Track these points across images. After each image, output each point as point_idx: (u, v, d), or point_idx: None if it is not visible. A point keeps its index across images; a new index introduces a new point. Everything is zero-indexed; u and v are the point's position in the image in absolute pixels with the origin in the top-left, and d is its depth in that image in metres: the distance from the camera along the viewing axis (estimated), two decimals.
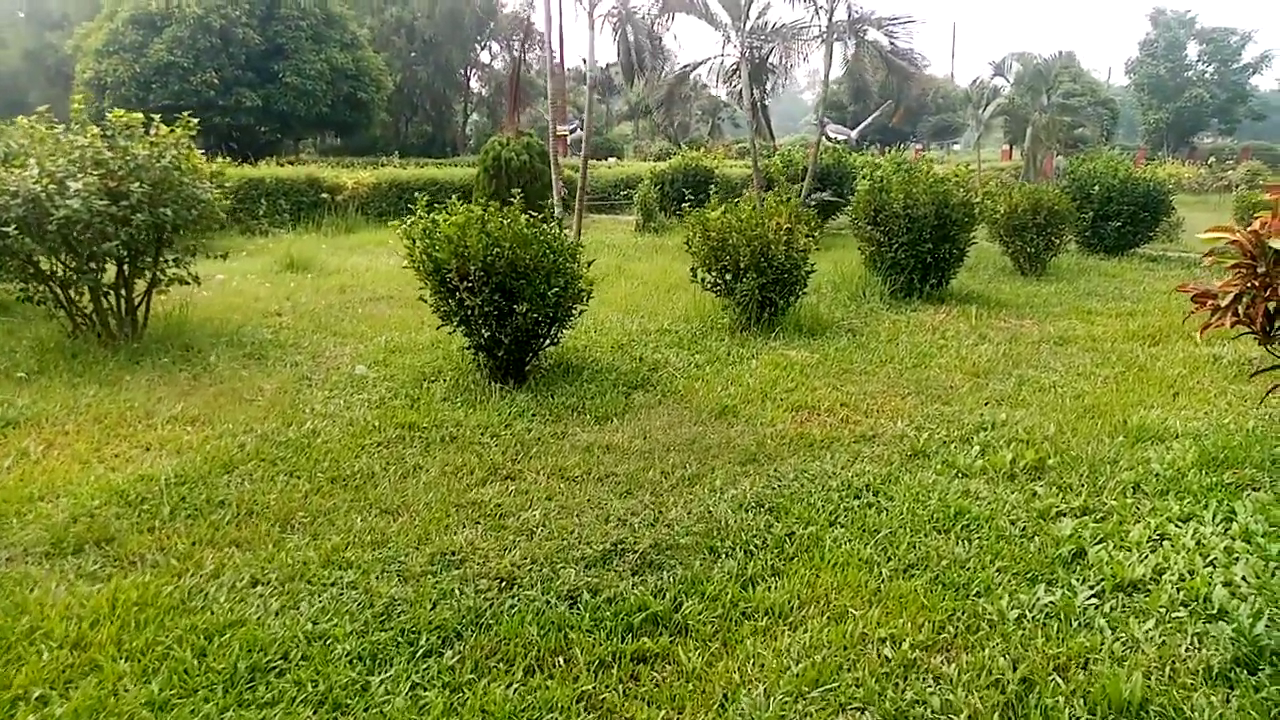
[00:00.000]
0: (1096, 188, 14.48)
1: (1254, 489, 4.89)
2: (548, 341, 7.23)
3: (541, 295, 6.59)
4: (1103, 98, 49.57)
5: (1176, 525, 4.48)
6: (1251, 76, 46.26)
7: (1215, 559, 4.07)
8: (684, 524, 4.52)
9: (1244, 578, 3.86)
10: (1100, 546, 4.27)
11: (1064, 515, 4.67)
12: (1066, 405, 6.69)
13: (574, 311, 7.19)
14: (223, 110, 29.12)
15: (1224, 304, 4.78)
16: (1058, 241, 13.17)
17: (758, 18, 15.88)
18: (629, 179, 23.48)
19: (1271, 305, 4.82)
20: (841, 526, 4.52)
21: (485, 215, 6.71)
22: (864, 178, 11.10)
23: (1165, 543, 4.29)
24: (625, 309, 10.01)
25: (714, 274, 8.99)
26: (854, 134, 29.28)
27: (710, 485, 5.06)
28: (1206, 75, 45.45)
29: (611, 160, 37.57)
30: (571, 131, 39.33)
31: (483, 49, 40.79)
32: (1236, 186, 32.87)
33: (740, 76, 15.69)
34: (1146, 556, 4.15)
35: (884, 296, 10.67)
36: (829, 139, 30.42)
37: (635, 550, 4.21)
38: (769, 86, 16.52)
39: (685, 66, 17.96)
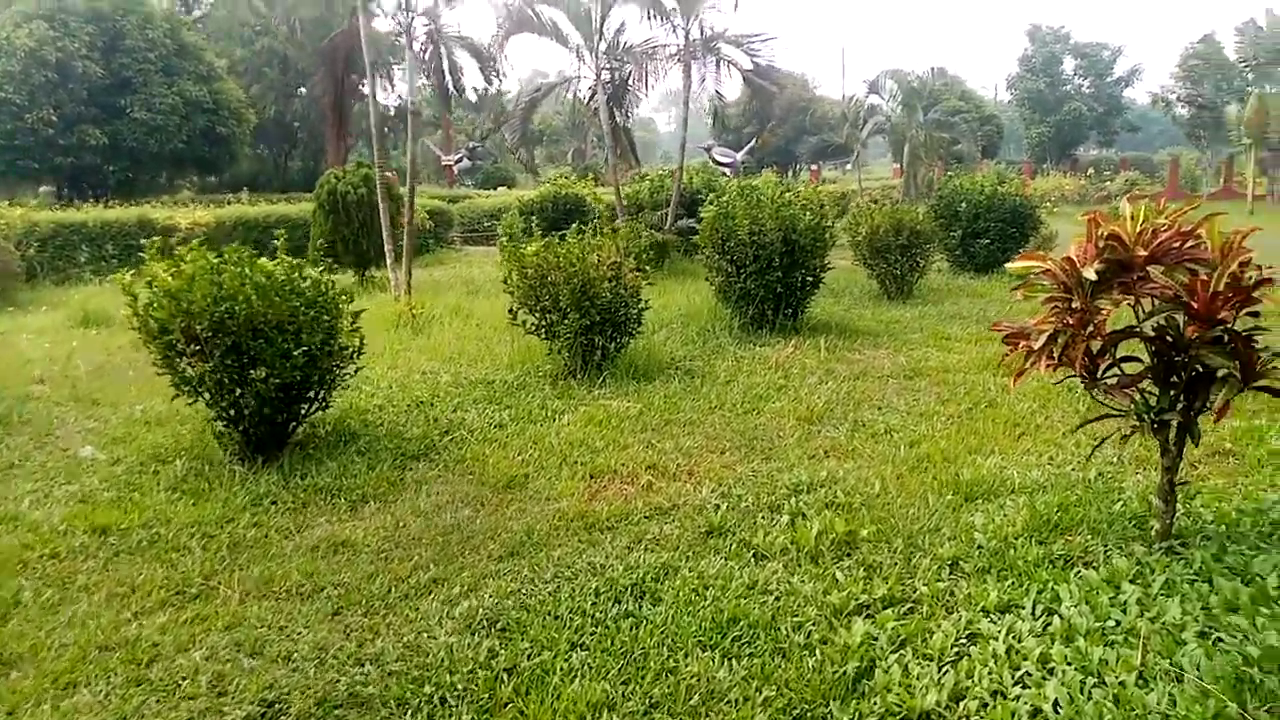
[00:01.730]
0: (964, 205, 14.11)
1: (1085, 563, 4.15)
2: (315, 407, 6.19)
3: (286, 356, 5.56)
4: (987, 114, 50.73)
5: (991, 620, 3.69)
6: (1124, 90, 47.91)
7: (1028, 672, 3.28)
8: (383, 660, 3.55)
9: (1057, 703, 3.07)
10: (895, 658, 3.45)
11: (862, 611, 3.85)
12: (899, 455, 5.95)
13: (337, 373, 6.16)
14: (64, 149, 26.99)
15: (1038, 345, 4.06)
16: (923, 263, 12.67)
17: (614, 37, 15.20)
18: (506, 208, 22.51)
19: (1095, 344, 4.13)
20: (584, 649, 3.60)
21: (219, 264, 5.66)
22: (709, 204, 10.35)
23: (974, 648, 3.48)
24: (447, 356, 9.02)
25: (536, 315, 8.07)
26: (739, 156, 28.87)
27: (446, 595, 4.11)
28: (1083, 89, 46.81)
29: (501, 189, 36.53)
30: (457, 161, 38.25)
31: (361, 80, 39.27)
32: (1115, 197, 33.59)
33: (597, 99, 14.91)
34: (946, 671, 3.33)
35: (734, 330, 9.91)
36: (715, 162, 30.05)
37: (288, 714, 3.22)
38: (629, 109, 15.78)
39: (538, 90, 17.12)
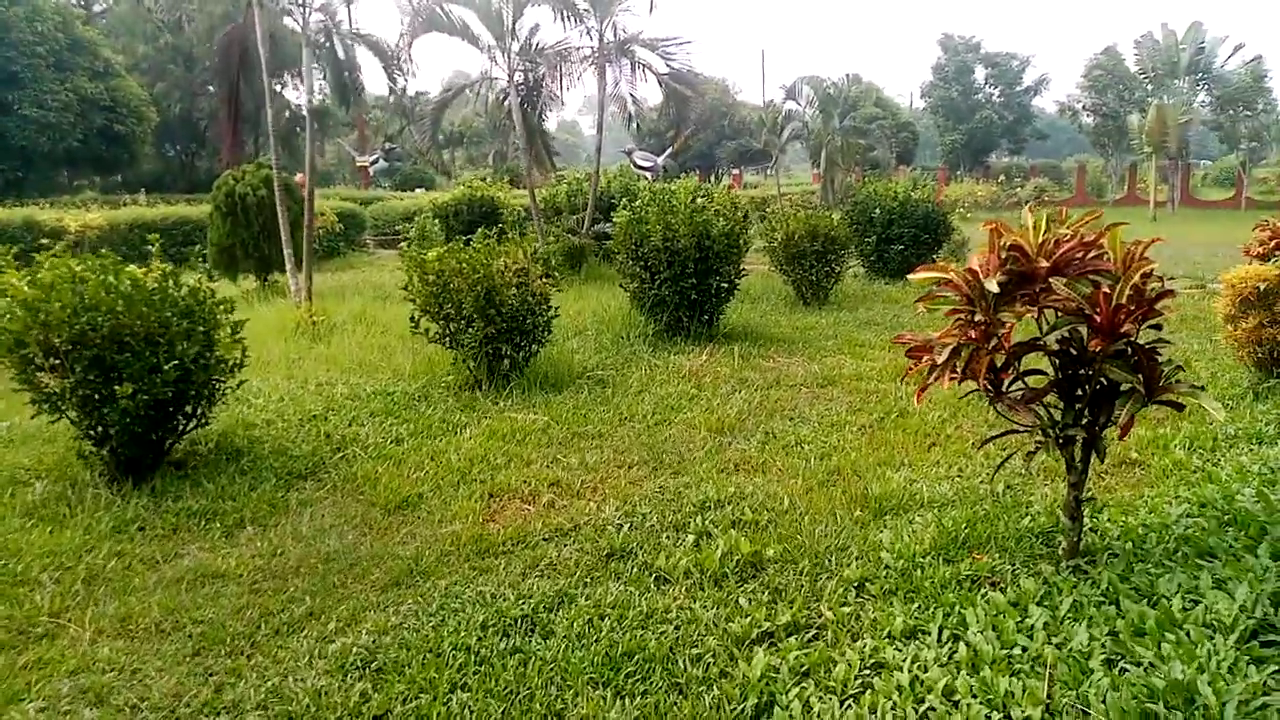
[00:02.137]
0: (878, 211, 14.18)
1: (993, 583, 4.03)
2: (192, 424, 5.77)
3: (155, 370, 5.14)
4: (903, 121, 51.77)
5: (897, 647, 3.53)
6: (1033, 98, 49.38)
7: (932, 707, 3.12)
8: (242, 709, 3.23)
9: None
10: (797, 691, 3.26)
11: (765, 640, 3.66)
12: (810, 469, 5.81)
13: (217, 387, 5.76)
14: None
15: (940, 359, 3.93)
16: (839, 269, 12.66)
17: (527, 38, 14.89)
18: (421, 210, 21.98)
19: (999, 358, 4.02)
20: (466, 690, 3.33)
21: (82, 271, 5.22)
22: (622, 208, 10.14)
23: (878, 679, 3.32)
24: (346, 366, 8.61)
25: (440, 323, 7.74)
26: (660, 160, 28.76)
27: (320, 631, 3.79)
28: (994, 98, 48.09)
29: (419, 191, 35.78)
30: (373, 162, 37.35)
31: (275, 79, 37.98)
32: (1025, 203, 34.50)
33: (510, 101, 14.58)
34: (849, 706, 3.16)
35: (648, 338, 9.72)
36: (636, 166, 29.88)
37: None
38: (544, 111, 15.46)
39: (447, 91, 16.68)
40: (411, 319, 7.78)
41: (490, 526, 4.93)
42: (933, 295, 4.07)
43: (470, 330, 7.45)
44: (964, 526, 4.61)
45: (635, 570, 4.35)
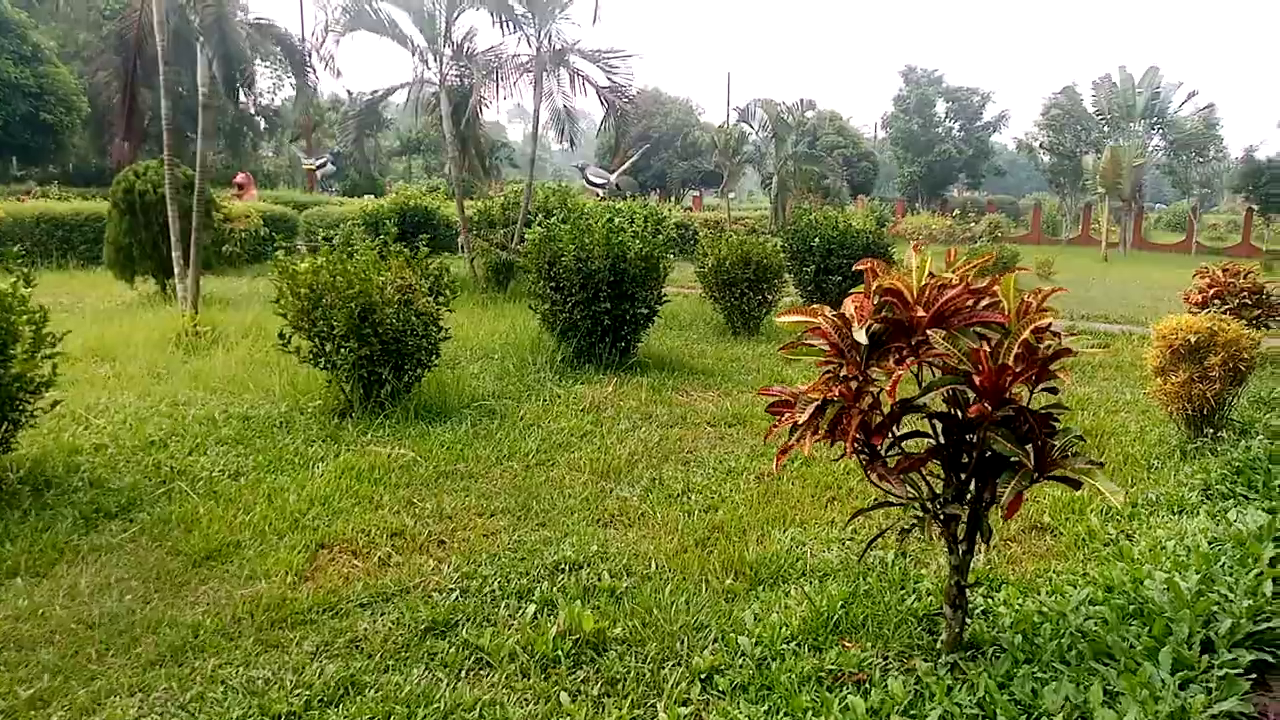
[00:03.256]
0: (817, 240, 13.72)
1: (858, 681, 3.45)
2: None
3: None
4: (864, 150, 51.88)
5: None
6: (992, 134, 49.73)
7: None
8: None
9: None
10: None
11: None
12: (690, 524, 5.22)
13: (24, 407, 5.05)
14: None
15: (802, 418, 3.36)
16: (772, 298, 12.16)
17: (463, 42, 14.27)
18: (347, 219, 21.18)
19: (875, 418, 3.46)
20: None
21: None
22: (537, 224, 9.55)
23: None
24: (214, 384, 7.88)
25: (313, 341, 7.06)
26: (613, 178, 28.27)
27: None
28: (954, 132, 48.33)
29: (368, 197, 34.92)
30: (320, 165, 36.42)
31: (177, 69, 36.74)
32: (979, 238, 34.46)
33: (441, 107, 13.94)
34: None
35: (556, 364, 9.09)
36: (589, 182, 29.39)
37: None
38: (471, 118, 14.81)
39: (375, 93, 15.99)
40: (281, 335, 7.10)
41: (304, 587, 4.28)
42: (798, 344, 3.51)
43: (343, 351, 6.78)
44: (840, 605, 4.04)
45: (453, 650, 3.72)
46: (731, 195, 59.06)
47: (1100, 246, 34.64)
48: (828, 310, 3.53)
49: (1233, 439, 6.66)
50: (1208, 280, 11.14)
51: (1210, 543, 4.53)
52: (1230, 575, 4.03)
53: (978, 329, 3.37)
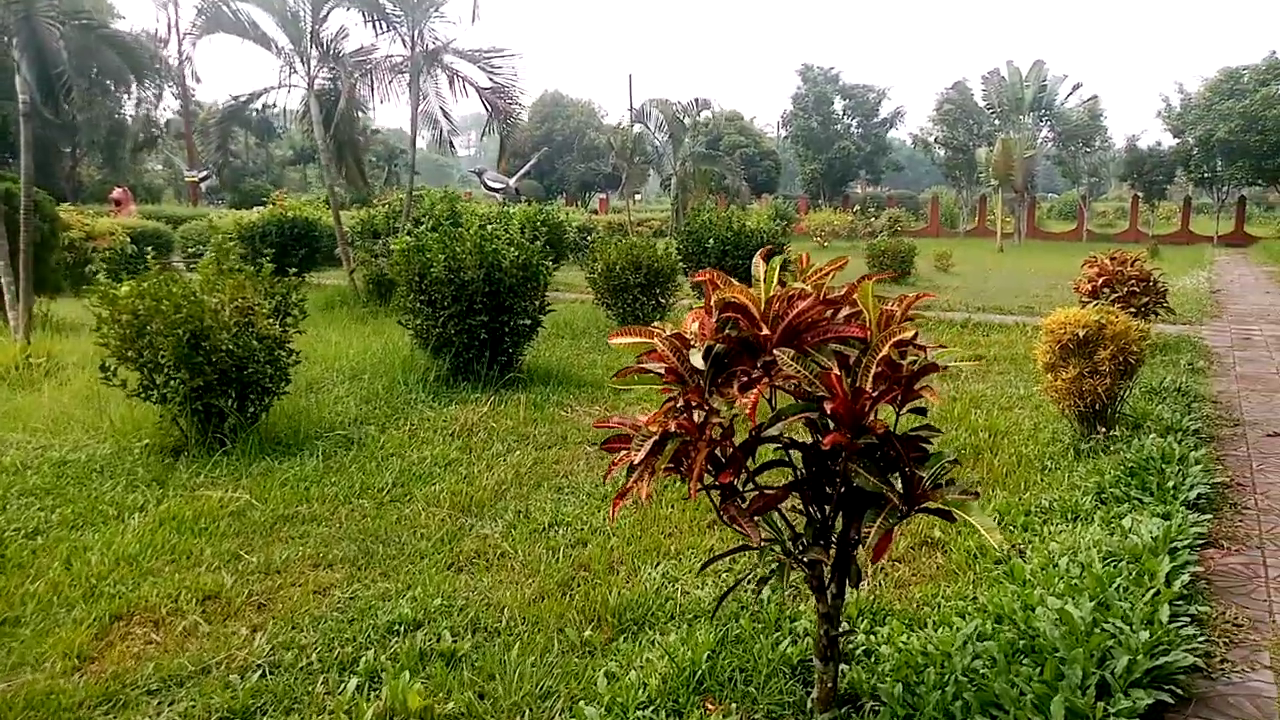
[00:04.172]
0: (712, 241, 13.39)
1: None
2: None
3: None
4: (767, 149, 52.14)
5: None
6: (889, 130, 50.46)
7: None
8: None
9: None
10: None
11: None
12: (554, 563, 4.72)
13: None
14: None
15: (638, 456, 2.88)
16: (665, 302, 11.75)
17: (331, 43, 13.48)
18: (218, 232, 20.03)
19: (727, 450, 3.02)
20: None
21: None
22: (403, 234, 8.93)
23: None
24: (39, 424, 7.06)
25: (141, 372, 6.33)
26: (512, 182, 27.60)
27: None
28: (852, 129, 48.90)
29: (256, 209, 33.40)
30: (203, 178, 34.79)
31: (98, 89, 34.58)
32: (880, 233, 34.82)
33: (312, 112, 13.15)
34: None
35: (429, 383, 8.47)
36: (487, 188, 28.65)
37: None
38: (343, 123, 14.04)
39: (238, 98, 15.05)
40: (103, 367, 6.35)
41: (87, 671, 3.63)
42: (633, 370, 3.04)
43: (172, 383, 6.08)
44: (706, 657, 3.57)
45: None
46: (638, 197, 58.84)
47: (996, 237, 35.34)
48: (667, 328, 3.07)
49: (1126, 435, 6.47)
50: (1097, 269, 11.13)
51: (1104, 559, 4.22)
52: (1126, 599, 3.71)
53: (834, 345, 2.95)
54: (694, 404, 2.89)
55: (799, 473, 3.07)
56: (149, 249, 7.74)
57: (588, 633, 3.96)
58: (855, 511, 3.00)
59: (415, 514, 5.42)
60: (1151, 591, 3.76)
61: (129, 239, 16.70)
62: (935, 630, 3.80)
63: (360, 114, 14.27)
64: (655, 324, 3.11)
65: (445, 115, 14.47)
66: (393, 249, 8.76)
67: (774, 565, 3.05)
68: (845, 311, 3.11)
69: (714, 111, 45.64)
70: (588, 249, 13.87)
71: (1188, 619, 3.67)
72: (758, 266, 3.07)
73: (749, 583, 3.23)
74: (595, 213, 40.82)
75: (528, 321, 9.00)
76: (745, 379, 2.93)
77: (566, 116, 50.89)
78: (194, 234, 20.87)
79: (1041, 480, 6.00)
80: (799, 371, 2.77)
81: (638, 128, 25.79)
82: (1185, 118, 37.22)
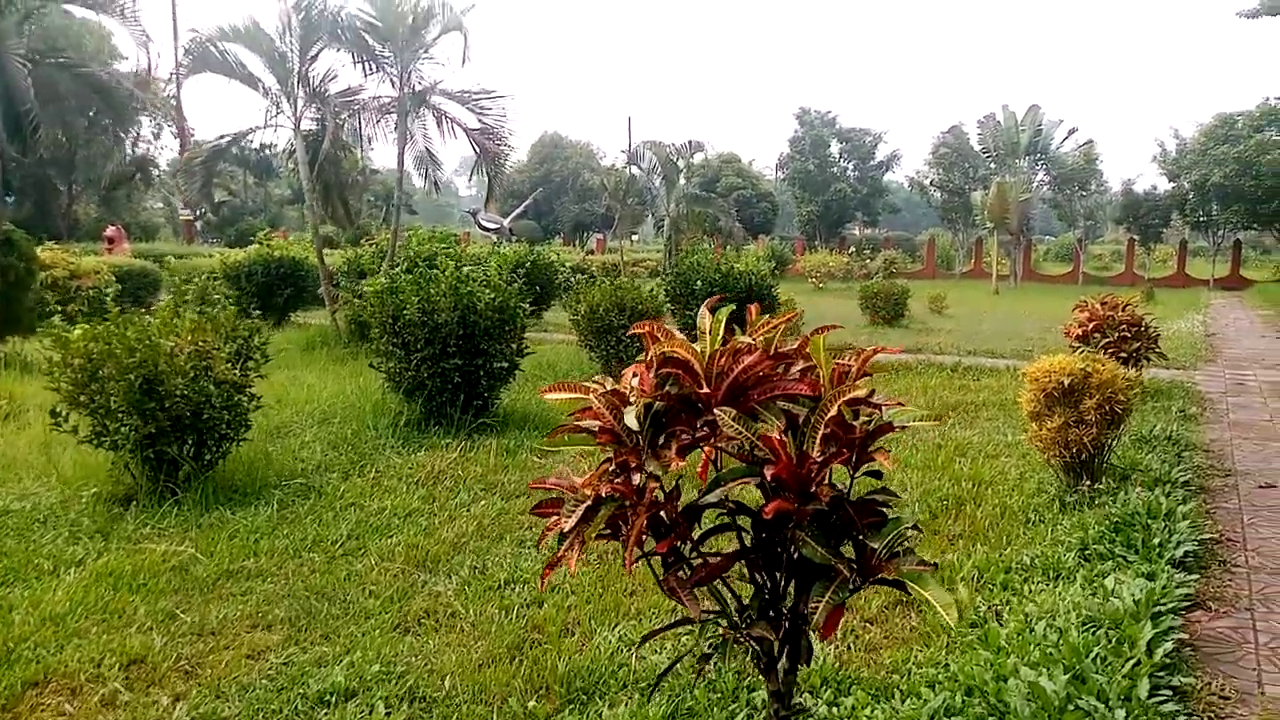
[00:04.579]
0: (699, 283, 13.24)
1: None
2: None
3: None
4: (764, 191, 52.38)
5: None
6: (885, 173, 50.73)
7: None
8: None
9: None
10: None
11: None
12: (507, 623, 4.49)
13: None
14: None
15: (569, 523, 2.67)
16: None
17: (319, 84, 13.44)
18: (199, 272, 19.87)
19: (667, 516, 2.80)
20: None
21: None
22: (364, 275, 8.78)
23: None
24: None
25: (94, 417, 6.11)
26: (506, 222, 27.58)
27: None
28: (849, 171, 49.17)
29: (253, 248, 33.37)
30: (199, 215, 34.85)
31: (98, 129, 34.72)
32: (875, 274, 34.77)
33: (298, 153, 13.07)
34: None
35: (400, 429, 8.24)
36: (482, 228, 28.64)
37: None
38: (329, 163, 13.97)
39: (222, 138, 14.99)
40: (53, 412, 6.13)
41: None
42: (566, 429, 2.83)
43: (123, 429, 5.86)
44: None
45: None
46: (635, 237, 59.10)
47: (992, 279, 35.29)
48: (607, 383, 2.86)
49: (1113, 487, 6.24)
50: (1087, 314, 10.94)
51: (1084, 624, 3.98)
52: (1104, 670, 3.47)
53: (783, 404, 2.75)
54: (632, 466, 2.68)
55: (748, 540, 2.85)
56: (137, 288, 7.56)
57: (532, 704, 3.71)
58: (807, 583, 2.77)
59: (367, 569, 5.18)
60: (1131, 662, 3.52)
61: (114, 278, 16.55)
62: (902, 702, 3.56)
63: (358, 154, 14.18)
64: (596, 378, 2.91)
65: (431, 156, 14.43)
66: (365, 290, 8.58)
67: (718, 641, 2.82)
68: (799, 366, 2.92)
69: (711, 154, 46.01)
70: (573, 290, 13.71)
71: (1169, 692, 3.43)
72: (703, 318, 2.88)
73: (691, 659, 2.99)
74: (591, 253, 40.90)
75: (504, 364, 8.80)
76: (689, 439, 2.74)
77: (565, 157, 51.20)
78: (183, 273, 20.74)
79: (1024, 534, 5.76)
80: (740, 433, 2.57)
81: (631, 169, 25.80)
82: (1180, 162, 37.41)
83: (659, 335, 2.75)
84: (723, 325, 2.80)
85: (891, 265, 38.31)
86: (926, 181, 43.96)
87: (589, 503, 2.65)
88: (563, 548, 2.66)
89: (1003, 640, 3.97)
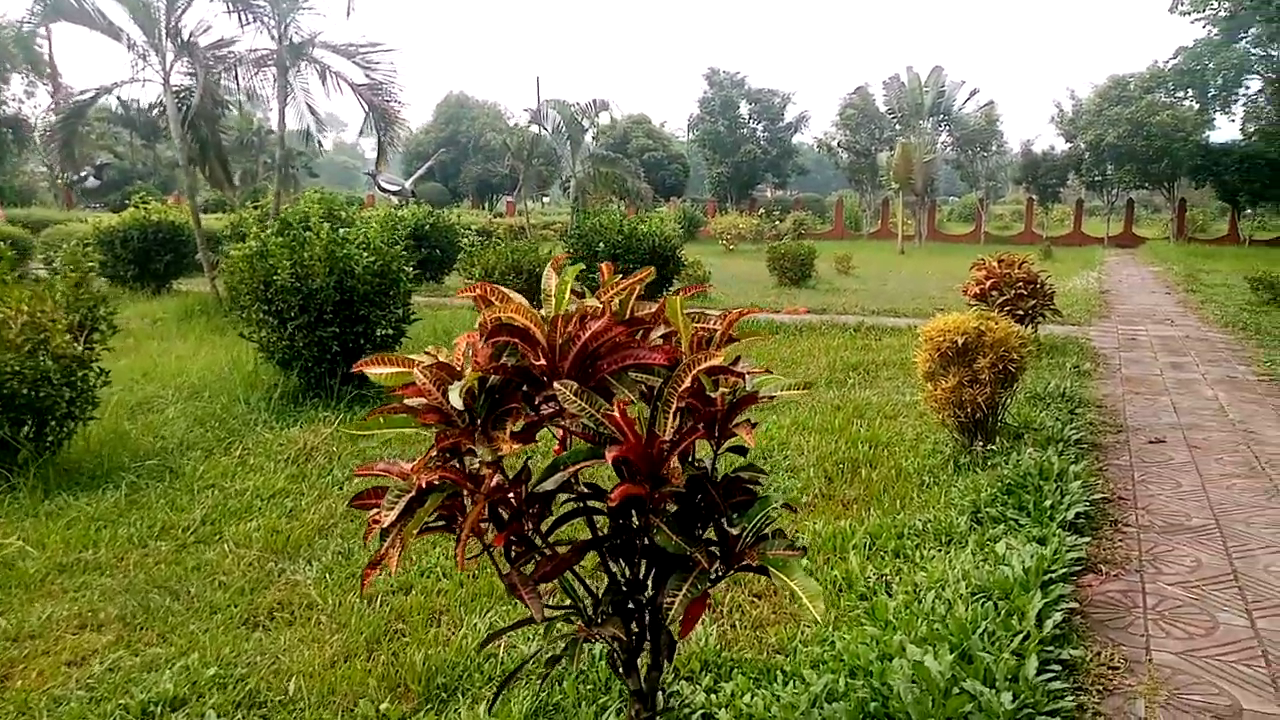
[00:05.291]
0: (602, 245, 12.87)
1: None
2: None
3: None
4: (675, 152, 52.01)
5: None
6: (794, 135, 50.86)
7: None
8: None
9: None
10: None
11: None
12: (370, 613, 4.12)
13: None
14: None
15: (388, 517, 2.33)
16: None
17: (191, 36, 12.51)
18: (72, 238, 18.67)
19: (517, 501, 2.49)
20: None
21: None
22: (245, 238, 8.20)
23: None
24: None
25: None
26: (408, 184, 26.64)
27: None
28: (758, 133, 49.10)
29: (128, 212, 31.62)
30: (80, 179, 32.82)
31: None
32: (785, 236, 34.83)
33: (169, 110, 12.15)
34: None
35: (274, 402, 7.73)
36: (381, 189, 27.63)
37: None
38: (205, 121, 13.06)
39: (85, 93, 13.89)
40: None
41: None
42: (387, 410, 2.48)
43: None
44: None
45: None
46: (546, 200, 58.11)
47: (898, 240, 35.77)
48: (442, 354, 2.51)
49: (1006, 447, 6.18)
50: (984, 272, 10.99)
51: (973, 595, 3.83)
52: (992, 647, 3.31)
53: (636, 375, 2.45)
54: (464, 449, 2.35)
55: (595, 530, 2.56)
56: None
57: (385, 705, 3.37)
58: (666, 573, 2.50)
59: (219, 558, 4.75)
60: (1020, 636, 3.37)
61: None
62: (785, 686, 3.34)
63: (254, 113, 13.26)
64: (429, 349, 2.56)
65: (312, 112, 13.64)
66: (233, 255, 7.98)
67: (569, 639, 2.53)
68: (659, 333, 2.62)
69: (621, 115, 45.31)
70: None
71: (1058, 667, 3.28)
72: (548, 279, 2.55)
73: (537, 664, 2.69)
74: (500, 216, 40.00)
75: (389, 331, 8.34)
76: (533, 417, 2.42)
77: (472, 118, 49.88)
78: (58, 239, 19.46)
79: (919, 497, 5.64)
80: (583, 409, 2.25)
81: (534, 129, 25.12)
82: (1077, 123, 38.35)
83: (493, 298, 2.42)
84: (568, 287, 2.48)
85: (801, 226, 38.50)
86: (834, 143, 44.21)
87: (413, 493, 2.31)
88: (384, 545, 2.32)
89: (890, 614, 3.79)
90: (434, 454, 2.38)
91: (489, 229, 25.98)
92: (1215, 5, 34.66)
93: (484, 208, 50.56)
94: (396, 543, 2.30)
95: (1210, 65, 36.43)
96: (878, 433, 7.08)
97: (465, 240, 19.27)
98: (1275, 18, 32.65)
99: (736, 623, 4.07)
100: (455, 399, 2.23)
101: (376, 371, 2.47)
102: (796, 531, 5.06)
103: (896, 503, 5.55)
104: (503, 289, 2.46)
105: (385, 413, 2.43)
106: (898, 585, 4.23)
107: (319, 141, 14.55)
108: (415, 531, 2.28)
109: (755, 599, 4.31)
